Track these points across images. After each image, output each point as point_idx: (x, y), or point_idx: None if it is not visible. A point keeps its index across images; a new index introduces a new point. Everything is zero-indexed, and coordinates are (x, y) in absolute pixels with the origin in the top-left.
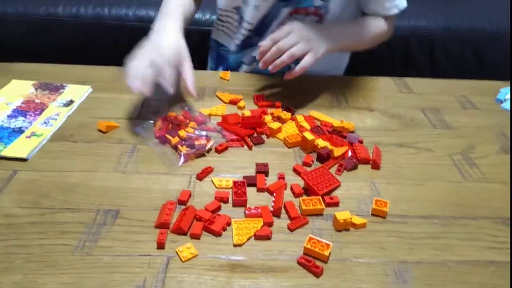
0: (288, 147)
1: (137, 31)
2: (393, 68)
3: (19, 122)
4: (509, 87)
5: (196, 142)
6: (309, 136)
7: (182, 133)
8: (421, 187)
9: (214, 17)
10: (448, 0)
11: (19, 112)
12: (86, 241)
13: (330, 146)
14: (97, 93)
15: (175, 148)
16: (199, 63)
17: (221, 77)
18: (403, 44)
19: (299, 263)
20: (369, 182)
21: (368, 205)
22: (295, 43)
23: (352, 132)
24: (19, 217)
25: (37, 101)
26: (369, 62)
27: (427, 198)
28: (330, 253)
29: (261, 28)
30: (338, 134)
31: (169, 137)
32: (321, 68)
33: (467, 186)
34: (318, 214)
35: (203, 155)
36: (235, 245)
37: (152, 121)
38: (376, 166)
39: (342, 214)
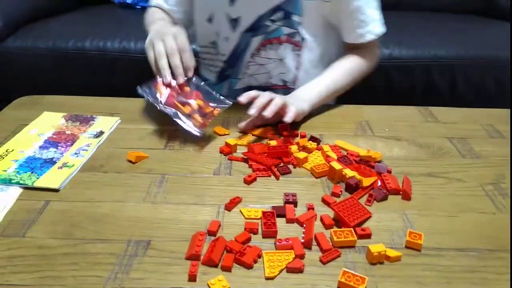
0: (315, 177)
1: (143, 63)
2: (414, 97)
3: (50, 153)
4: None
5: (207, 110)
6: (336, 165)
7: (194, 104)
8: (454, 218)
9: None
10: (467, 28)
11: (50, 143)
12: (118, 273)
13: (358, 176)
14: (126, 124)
15: (187, 116)
16: None
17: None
18: (424, 73)
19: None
20: (400, 213)
21: (402, 237)
22: (278, 101)
23: (379, 161)
24: (52, 248)
25: (68, 132)
26: (390, 92)
27: (462, 230)
28: None
29: (234, 59)
30: (365, 163)
31: (179, 105)
32: None
33: (501, 218)
34: (350, 246)
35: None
36: (267, 278)
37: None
38: (407, 196)
39: (376, 247)
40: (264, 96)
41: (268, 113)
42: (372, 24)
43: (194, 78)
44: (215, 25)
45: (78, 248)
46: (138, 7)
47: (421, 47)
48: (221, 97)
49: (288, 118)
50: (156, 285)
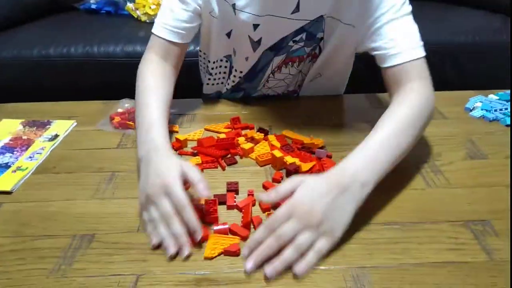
0: (260, 166)
1: (126, 66)
2: (373, 84)
3: (6, 158)
4: (477, 96)
5: None
6: (277, 153)
7: None
8: (384, 196)
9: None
10: (424, 15)
11: (6, 149)
12: (62, 265)
13: (298, 162)
14: (81, 127)
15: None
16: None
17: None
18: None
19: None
20: None
21: None
22: (298, 231)
23: (321, 148)
24: (1, 246)
25: (24, 137)
26: (352, 81)
27: (390, 206)
28: None
29: (252, 76)
30: (307, 150)
31: (130, 122)
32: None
33: (429, 192)
34: None
35: None
36: (205, 258)
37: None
38: None
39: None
40: (280, 212)
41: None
42: (409, 41)
43: None
44: (233, 43)
45: (26, 245)
46: (102, 11)
47: None
48: None
49: (313, 258)
50: (97, 274)
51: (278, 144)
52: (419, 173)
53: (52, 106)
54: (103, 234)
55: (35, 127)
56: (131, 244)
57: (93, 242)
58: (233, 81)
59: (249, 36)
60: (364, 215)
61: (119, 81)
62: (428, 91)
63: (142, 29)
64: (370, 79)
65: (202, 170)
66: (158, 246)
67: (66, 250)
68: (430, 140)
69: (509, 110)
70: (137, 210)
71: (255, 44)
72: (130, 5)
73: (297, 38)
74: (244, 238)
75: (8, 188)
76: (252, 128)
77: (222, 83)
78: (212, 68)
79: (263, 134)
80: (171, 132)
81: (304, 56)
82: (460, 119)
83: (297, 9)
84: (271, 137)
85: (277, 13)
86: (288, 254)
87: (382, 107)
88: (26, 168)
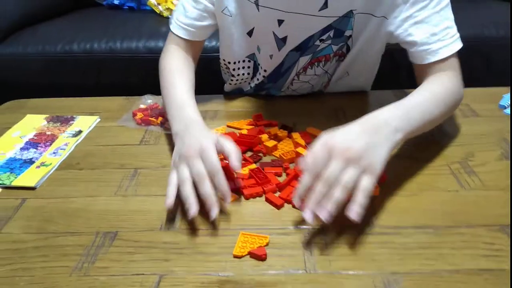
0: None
1: (148, 63)
2: (397, 80)
3: (30, 153)
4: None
5: None
6: (302, 151)
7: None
8: (415, 197)
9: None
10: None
11: (31, 144)
12: (85, 263)
13: None
14: (104, 123)
15: (161, 124)
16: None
17: None
18: (406, 56)
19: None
20: None
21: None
22: (341, 170)
23: None
24: (24, 242)
25: (48, 133)
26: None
27: (422, 209)
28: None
29: (277, 76)
30: None
31: (152, 119)
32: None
33: (464, 195)
34: None
35: None
36: (234, 256)
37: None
38: (381, 178)
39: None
40: (317, 153)
41: (328, 216)
42: (447, 37)
43: None
44: (257, 40)
45: (49, 242)
46: (125, 7)
47: None
48: None
49: (362, 198)
50: (119, 273)
51: (302, 142)
52: (451, 173)
53: (75, 102)
54: (126, 232)
55: (59, 123)
56: (153, 243)
57: (115, 240)
58: (258, 79)
59: (273, 32)
60: (394, 217)
61: (141, 77)
62: (459, 82)
63: (164, 24)
64: (391, 76)
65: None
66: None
67: (89, 248)
68: (462, 139)
69: None
70: (159, 208)
71: (280, 42)
72: (152, 1)
73: (324, 37)
74: (279, 207)
75: (32, 184)
76: (275, 125)
77: (245, 81)
78: (234, 70)
79: (286, 132)
80: None
81: (330, 55)
82: (494, 117)
83: (325, 5)
84: (295, 134)
85: (304, 10)
86: (337, 194)
87: None
88: (50, 164)
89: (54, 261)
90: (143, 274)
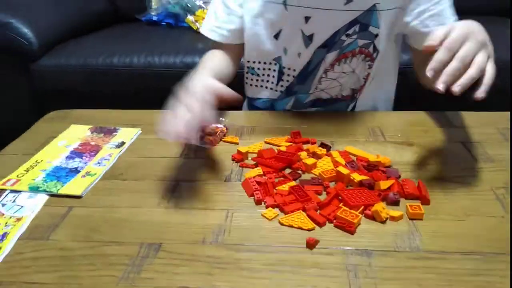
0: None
1: (185, 77)
2: (435, 103)
3: (75, 163)
4: None
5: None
6: (343, 170)
7: (207, 129)
8: (461, 222)
9: None
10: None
11: (76, 153)
12: (130, 273)
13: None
14: (146, 135)
15: (200, 139)
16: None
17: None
18: None
19: (335, 226)
20: (406, 217)
21: (405, 241)
22: (476, 52)
23: (388, 166)
24: (72, 250)
25: (93, 143)
26: (411, 98)
27: (468, 234)
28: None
29: (305, 76)
30: (374, 168)
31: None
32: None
33: (509, 220)
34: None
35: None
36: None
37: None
38: (426, 201)
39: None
40: (456, 34)
41: (459, 88)
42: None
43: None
44: (284, 41)
45: (95, 250)
46: (163, 23)
47: None
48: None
49: (489, 81)
50: (164, 285)
51: (342, 161)
52: (496, 199)
53: (117, 114)
54: (169, 244)
55: (103, 134)
56: (196, 256)
57: (159, 251)
58: (287, 81)
59: (301, 30)
60: (439, 242)
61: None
62: None
63: (201, 40)
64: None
65: (265, 181)
66: None
67: (134, 258)
68: (505, 164)
69: None
70: (201, 221)
71: (307, 39)
72: (190, 18)
73: (350, 31)
74: (321, 225)
75: (78, 193)
76: (314, 143)
77: (271, 88)
78: (259, 69)
79: (325, 150)
80: (231, 143)
81: (356, 49)
82: None
83: (351, 0)
84: (334, 153)
85: (330, 5)
86: (472, 72)
87: (452, 126)
88: (95, 174)
89: (101, 269)
90: (187, 287)
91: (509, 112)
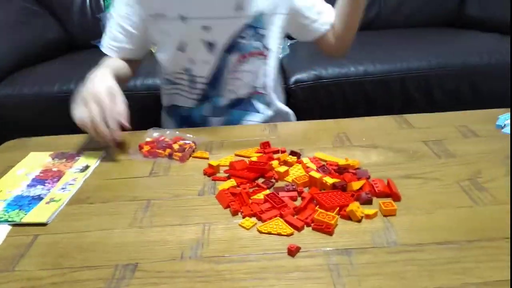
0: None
1: (147, 99)
2: (392, 109)
3: (38, 190)
4: (507, 113)
5: (186, 147)
6: (316, 174)
7: (175, 146)
8: (432, 215)
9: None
10: (438, 40)
11: (37, 181)
12: None
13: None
14: (110, 157)
15: (169, 156)
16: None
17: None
18: (400, 85)
19: (313, 229)
20: (379, 214)
21: (381, 237)
22: None
23: (357, 168)
24: (41, 279)
25: (55, 169)
26: (369, 107)
27: (440, 225)
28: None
29: (215, 80)
30: (344, 171)
31: (159, 151)
32: None
33: (478, 210)
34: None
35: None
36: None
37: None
38: (397, 198)
39: (352, 205)
40: None
41: None
42: (324, 14)
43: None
44: (189, 52)
45: (66, 277)
46: None
47: (395, 61)
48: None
49: None
50: None
51: (313, 166)
52: (462, 191)
53: (78, 139)
54: (146, 263)
55: (65, 159)
56: (176, 273)
57: (136, 271)
58: (200, 89)
59: (202, 39)
60: (415, 235)
61: (140, 113)
62: None
63: None
64: (386, 105)
65: (240, 191)
66: None
67: (110, 281)
68: (467, 159)
69: None
70: (178, 238)
71: (210, 46)
72: None
73: (244, 35)
74: (299, 229)
75: (43, 220)
76: (284, 152)
77: (187, 97)
78: (169, 80)
79: (295, 157)
80: (201, 158)
81: (253, 51)
82: (493, 136)
83: (239, 7)
84: (305, 159)
85: (222, 14)
86: None
87: (410, 127)
88: (60, 200)
89: None
90: None
91: (465, 111)
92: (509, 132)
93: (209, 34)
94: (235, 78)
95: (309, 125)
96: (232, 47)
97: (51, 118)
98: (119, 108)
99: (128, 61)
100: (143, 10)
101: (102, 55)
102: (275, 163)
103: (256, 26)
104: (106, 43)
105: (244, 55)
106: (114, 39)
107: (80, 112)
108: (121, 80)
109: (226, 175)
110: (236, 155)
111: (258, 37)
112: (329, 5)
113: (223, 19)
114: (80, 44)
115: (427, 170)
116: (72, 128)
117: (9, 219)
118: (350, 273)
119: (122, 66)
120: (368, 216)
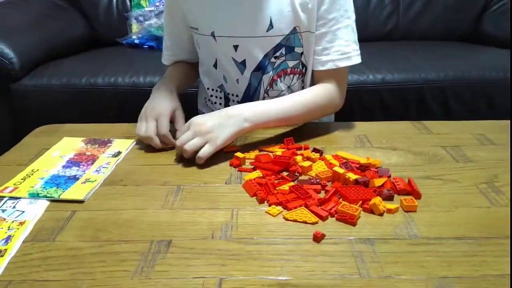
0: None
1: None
2: (407, 118)
3: (73, 171)
4: None
5: None
6: (339, 170)
7: None
8: (452, 213)
9: None
10: (455, 53)
11: (72, 163)
12: (144, 267)
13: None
14: (140, 145)
15: None
16: None
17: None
18: (416, 95)
19: (337, 219)
20: (400, 210)
21: (403, 230)
22: (190, 140)
23: (378, 167)
24: (81, 249)
25: (88, 153)
26: (385, 114)
27: (459, 222)
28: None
29: (248, 99)
30: (366, 169)
31: None
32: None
33: (495, 211)
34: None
35: None
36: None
37: None
38: (417, 195)
39: (374, 199)
40: (183, 128)
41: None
42: (336, 54)
43: None
44: (222, 70)
45: (104, 249)
46: (145, 46)
47: (413, 71)
48: None
49: (198, 158)
50: (179, 276)
51: (336, 163)
52: (480, 192)
53: (109, 127)
54: (179, 240)
55: (97, 145)
56: (208, 250)
57: (170, 247)
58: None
59: (232, 58)
60: (435, 229)
61: None
62: (333, 92)
63: None
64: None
65: (265, 182)
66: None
67: (146, 254)
68: (484, 164)
69: None
70: (208, 220)
71: (241, 66)
72: None
73: (277, 54)
74: (324, 218)
75: (81, 197)
76: (307, 148)
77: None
78: (211, 95)
79: (318, 154)
80: (231, 151)
81: (287, 69)
82: (508, 144)
83: (271, 26)
84: (328, 156)
85: (253, 33)
86: (185, 150)
87: (429, 133)
88: (95, 180)
89: (113, 266)
90: (203, 277)
91: (482, 121)
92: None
93: (240, 53)
94: (271, 97)
95: (330, 126)
96: (265, 65)
97: (78, 108)
98: (170, 126)
99: (189, 63)
100: (184, 21)
101: (126, 51)
102: (298, 158)
103: (291, 45)
104: (163, 54)
105: (279, 74)
106: (166, 48)
107: (139, 126)
108: (185, 85)
109: (252, 167)
110: (260, 149)
111: (294, 56)
112: (347, 40)
113: (254, 37)
114: (105, 41)
115: (446, 172)
116: (96, 118)
117: (48, 195)
118: (374, 260)
119: (183, 73)
120: (389, 211)
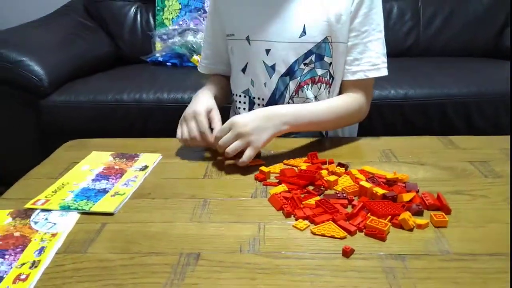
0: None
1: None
2: (429, 133)
3: (102, 184)
4: None
5: None
6: (366, 184)
7: None
8: (482, 229)
9: None
10: (477, 68)
11: (102, 176)
12: (174, 279)
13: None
14: (167, 160)
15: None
16: None
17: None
18: (439, 111)
19: (366, 234)
20: (430, 225)
21: (434, 245)
22: (231, 141)
23: (405, 182)
24: (112, 261)
25: (116, 167)
26: (408, 129)
27: (491, 238)
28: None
29: (273, 104)
30: (394, 183)
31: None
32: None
33: None
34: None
35: None
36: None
37: None
38: (447, 210)
39: (403, 214)
40: (223, 128)
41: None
42: (366, 64)
43: None
44: (250, 73)
45: (135, 261)
46: (168, 64)
47: (435, 87)
48: None
49: (241, 162)
50: None
51: (362, 177)
52: (510, 208)
53: (135, 142)
54: (208, 253)
55: (125, 159)
56: (237, 263)
57: (199, 259)
58: None
59: (263, 61)
60: (467, 245)
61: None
62: (361, 102)
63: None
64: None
65: (291, 196)
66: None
67: (175, 266)
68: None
69: None
70: (236, 233)
71: (270, 69)
72: (195, 57)
73: (307, 61)
74: (352, 233)
75: (111, 210)
76: (332, 163)
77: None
78: (236, 101)
79: (343, 169)
80: (256, 165)
81: (316, 77)
82: None
83: (304, 32)
84: (353, 170)
85: (286, 39)
86: (227, 152)
87: (455, 148)
88: (124, 193)
89: (144, 277)
90: None
91: (508, 136)
92: None
93: (270, 57)
94: (295, 103)
95: (353, 140)
96: (293, 72)
97: (104, 123)
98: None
99: (226, 77)
100: (222, 30)
101: (150, 69)
102: (324, 172)
103: (321, 54)
104: (201, 62)
105: (306, 81)
106: (205, 57)
107: (179, 131)
108: (221, 99)
109: (277, 181)
110: (285, 163)
111: (323, 65)
112: (377, 52)
113: (287, 43)
114: (129, 59)
115: (475, 187)
116: (122, 133)
117: (79, 208)
118: (405, 276)
119: (220, 86)
120: (419, 226)
